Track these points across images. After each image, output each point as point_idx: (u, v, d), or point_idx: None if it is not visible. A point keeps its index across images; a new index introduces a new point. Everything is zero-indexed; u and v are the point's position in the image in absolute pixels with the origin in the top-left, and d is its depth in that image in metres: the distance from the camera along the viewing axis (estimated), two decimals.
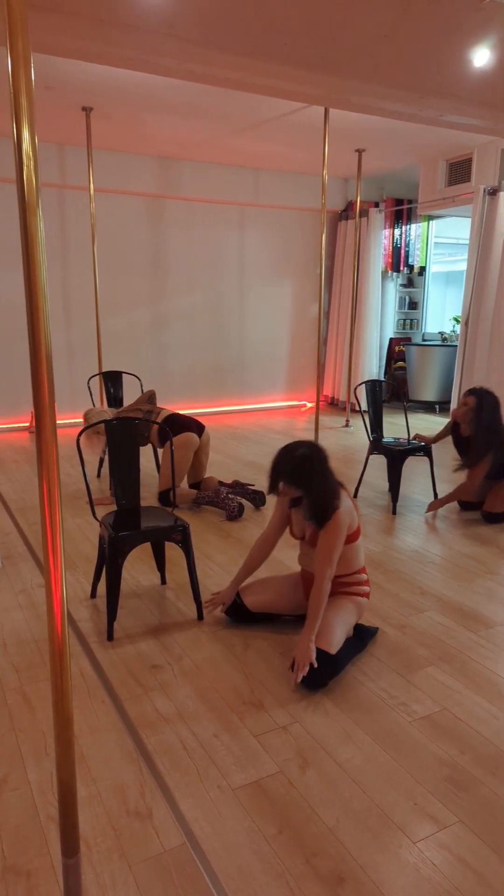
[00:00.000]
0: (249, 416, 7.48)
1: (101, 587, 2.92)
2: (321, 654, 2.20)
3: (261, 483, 4.71)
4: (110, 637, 2.55)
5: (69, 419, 6.58)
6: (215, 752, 1.92)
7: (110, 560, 2.56)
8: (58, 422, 6.56)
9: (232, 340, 7.64)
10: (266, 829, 1.64)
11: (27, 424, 6.60)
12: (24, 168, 1.12)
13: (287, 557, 3.32)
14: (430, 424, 6.97)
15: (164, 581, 3.07)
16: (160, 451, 3.30)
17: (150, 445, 4.83)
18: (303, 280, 7.89)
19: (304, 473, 2.34)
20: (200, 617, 2.72)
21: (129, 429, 2.87)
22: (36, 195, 1.13)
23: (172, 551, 3.27)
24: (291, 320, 7.96)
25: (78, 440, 2.79)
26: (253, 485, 4.33)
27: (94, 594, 2.92)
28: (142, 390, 5.15)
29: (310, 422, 7.13)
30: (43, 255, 1.15)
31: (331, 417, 7.46)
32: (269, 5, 2.82)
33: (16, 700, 2.16)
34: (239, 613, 2.63)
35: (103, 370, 5.48)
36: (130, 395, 5.46)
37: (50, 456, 1.25)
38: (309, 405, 8.18)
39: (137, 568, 3.23)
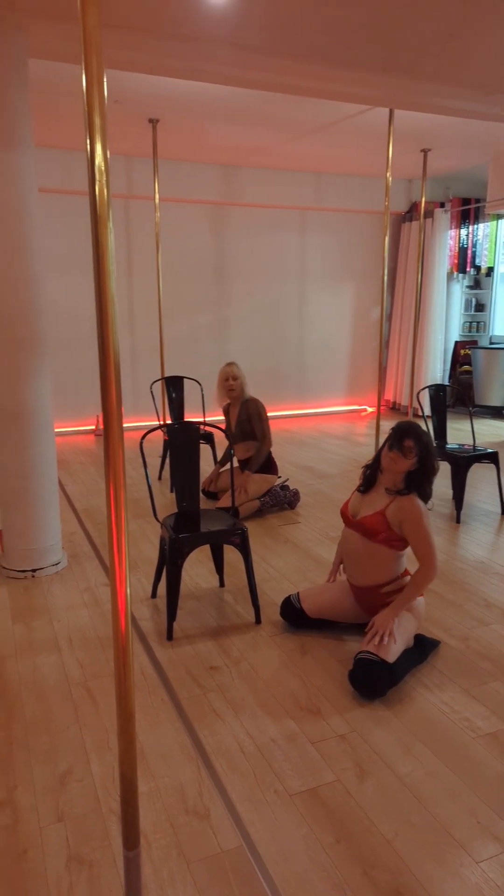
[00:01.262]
0: (308, 421, 7.45)
1: (161, 587, 2.97)
2: (378, 662, 2.17)
3: (305, 482, 4.69)
4: (170, 637, 2.60)
5: (133, 423, 6.75)
6: (272, 756, 1.92)
7: (171, 561, 2.61)
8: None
9: (291, 344, 7.64)
10: (323, 838, 1.63)
11: (92, 428, 6.81)
12: (97, 183, 1.16)
13: None
14: (496, 430, 6.75)
15: (222, 584, 3.10)
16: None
17: (207, 449, 4.88)
18: (364, 283, 7.81)
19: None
20: (258, 620, 2.73)
21: (190, 432, 2.92)
22: (107, 208, 1.18)
23: (231, 554, 3.30)
24: (352, 323, 7.89)
25: (141, 443, 2.86)
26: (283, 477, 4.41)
27: (154, 594, 2.98)
28: (202, 395, 5.22)
29: (370, 427, 7.04)
30: (112, 266, 1.20)
31: (392, 423, 7.34)
32: (332, 10, 2.82)
33: (80, 694, 2.23)
34: (297, 618, 2.62)
35: (165, 375, 5.60)
36: (191, 399, 5.55)
37: (116, 459, 1.29)
38: (370, 410, 8.08)
39: (197, 570, 3.27)
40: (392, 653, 2.21)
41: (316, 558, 3.40)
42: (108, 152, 1.19)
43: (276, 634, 2.63)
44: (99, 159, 1.16)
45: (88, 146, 1.16)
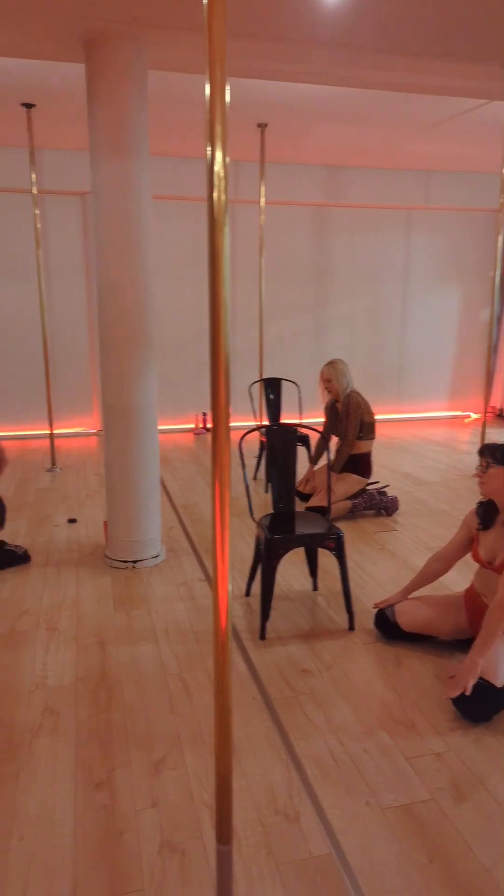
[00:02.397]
0: (408, 426, 7.25)
1: (255, 587, 3.00)
2: (486, 686, 2.07)
3: (407, 492, 4.56)
4: (262, 636, 2.62)
5: (230, 423, 6.87)
6: (364, 767, 1.89)
7: (265, 561, 2.63)
8: None
9: (392, 347, 7.47)
10: (416, 856, 1.58)
11: (192, 426, 6.99)
12: (216, 189, 1.19)
13: (448, 579, 3.17)
14: None
15: (315, 587, 3.08)
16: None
17: (303, 451, 4.87)
18: (472, 283, 7.49)
19: None
20: (352, 627, 2.69)
21: (287, 434, 2.93)
22: (224, 213, 1.20)
23: (325, 558, 3.27)
24: (458, 326, 7.60)
25: (240, 444, 2.89)
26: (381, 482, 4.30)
27: (248, 592, 3.01)
28: (299, 397, 5.22)
29: (475, 434, 6.75)
30: (227, 270, 1.22)
31: (499, 430, 6.99)
32: (448, 4, 2.72)
33: (176, 686, 2.29)
34: (391, 630, 2.56)
35: (264, 377, 5.64)
36: (288, 401, 5.56)
37: (223, 458, 1.32)
38: (474, 416, 7.75)
39: (290, 572, 3.28)
40: (501, 676, 2.10)
41: (413, 567, 3.30)
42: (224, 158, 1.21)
43: (369, 643, 2.58)
44: (218, 166, 1.19)
45: (209, 153, 1.19)
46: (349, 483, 4.04)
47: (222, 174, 1.19)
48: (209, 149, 1.19)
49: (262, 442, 4.97)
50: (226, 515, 1.35)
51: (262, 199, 5.62)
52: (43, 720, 2.10)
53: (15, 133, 5.36)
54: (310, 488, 4.31)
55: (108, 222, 3.04)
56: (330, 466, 3.85)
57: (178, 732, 2.05)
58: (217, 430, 1.30)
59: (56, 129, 5.25)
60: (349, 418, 4.04)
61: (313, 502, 4.06)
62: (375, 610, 2.65)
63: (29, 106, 4.53)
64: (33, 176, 4.86)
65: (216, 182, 1.20)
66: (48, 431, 6.22)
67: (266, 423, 5.33)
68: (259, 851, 1.60)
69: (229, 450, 1.31)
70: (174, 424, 6.96)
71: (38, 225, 4.93)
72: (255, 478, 5.03)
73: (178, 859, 1.58)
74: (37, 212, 4.90)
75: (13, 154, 5.84)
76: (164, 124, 5.04)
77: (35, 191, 4.90)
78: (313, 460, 4.39)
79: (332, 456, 4.14)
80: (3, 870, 1.55)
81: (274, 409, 5.21)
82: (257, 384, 5.59)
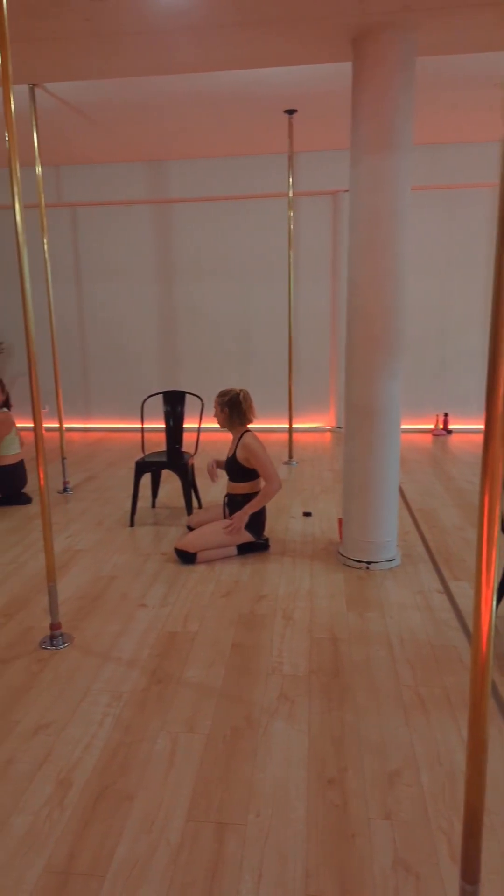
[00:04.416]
0: None
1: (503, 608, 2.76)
2: None
3: None
4: None
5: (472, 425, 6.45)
6: None
7: None
8: (468, 426, 6.49)
9: None
10: None
11: (431, 427, 6.72)
12: None
13: None
14: None
15: None
16: None
17: None
18: None
19: None
20: None
21: None
22: None
23: None
24: None
25: None
26: None
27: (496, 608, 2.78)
28: None
29: None
30: None
31: None
32: None
33: (410, 698, 2.21)
34: None
35: None
36: None
37: (496, 467, 1.20)
38: None
39: None
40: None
41: None
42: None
43: None
44: None
45: None
46: None
47: None
48: None
49: None
50: (494, 532, 1.23)
51: None
52: (278, 705, 2.18)
53: (274, 140, 5.65)
54: None
55: (364, 218, 3.02)
56: None
57: (414, 748, 1.96)
58: (490, 437, 1.19)
59: (312, 132, 5.42)
60: None
61: None
62: None
63: (291, 112, 4.74)
64: (291, 179, 5.08)
65: None
66: (287, 426, 6.51)
67: None
68: None
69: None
70: (411, 424, 6.76)
71: (291, 226, 5.14)
72: None
73: (413, 882, 1.51)
74: (291, 213, 5.11)
75: (272, 160, 6.17)
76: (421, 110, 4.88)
77: (291, 194, 5.11)
78: None
79: None
80: (241, 842, 1.63)
81: None
82: None
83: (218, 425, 3.61)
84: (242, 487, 3.45)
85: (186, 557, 3.39)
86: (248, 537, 3.46)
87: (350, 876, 1.53)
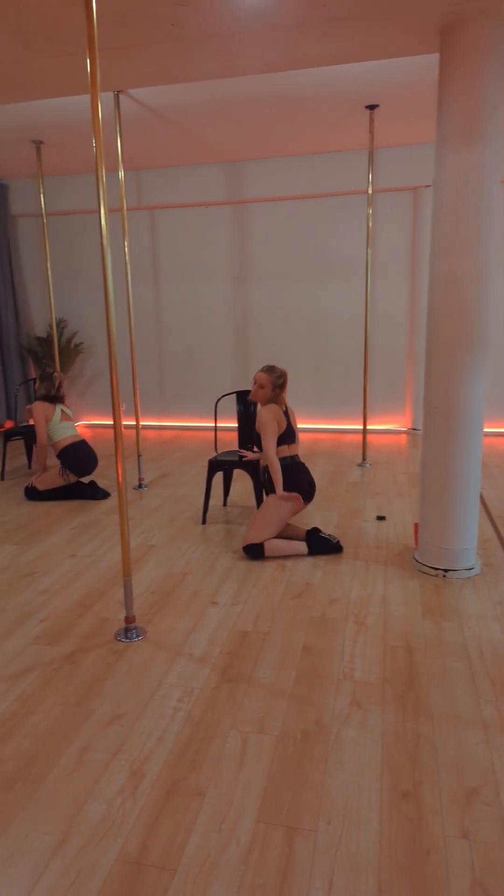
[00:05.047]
0: None
1: None
2: None
3: None
4: None
5: None
6: None
7: None
8: None
9: None
10: None
11: None
12: None
13: None
14: None
15: None
16: None
17: None
18: None
19: None
20: None
21: None
22: None
23: None
24: None
25: None
26: None
27: None
28: None
29: None
30: None
31: None
32: None
33: (491, 714, 2.11)
34: None
35: None
36: None
37: None
38: None
39: None
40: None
41: None
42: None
43: None
44: None
45: None
46: None
47: None
48: None
49: None
50: None
51: None
52: (350, 712, 2.14)
53: (354, 136, 5.57)
54: None
55: (449, 213, 2.91)
56: None
57: (493, 766, 1.87)
58: None
59: (393, 127, 5.30)
60: None
61: None
62: None
63: (372, 107, 4.65)
64: (371, 175, 4.99)
65: None
66: (361, 427, 6.40)
67: None
68: None
69: None
70: (494, 428, 6.50)
71: (370, 224, 5.05)
72: None
73: None
74: (369, 211, 5.02)
75: (351, 157, 6.09)
76: None
77: (370, 190, 5.02)
78: None
79: None
80: (311, 848, 1.61)
81: None
82: None
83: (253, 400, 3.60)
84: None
85: (254, 552, 3.40)
86: (296, 498, 3.42)
87: (425, 894, 1.48)
